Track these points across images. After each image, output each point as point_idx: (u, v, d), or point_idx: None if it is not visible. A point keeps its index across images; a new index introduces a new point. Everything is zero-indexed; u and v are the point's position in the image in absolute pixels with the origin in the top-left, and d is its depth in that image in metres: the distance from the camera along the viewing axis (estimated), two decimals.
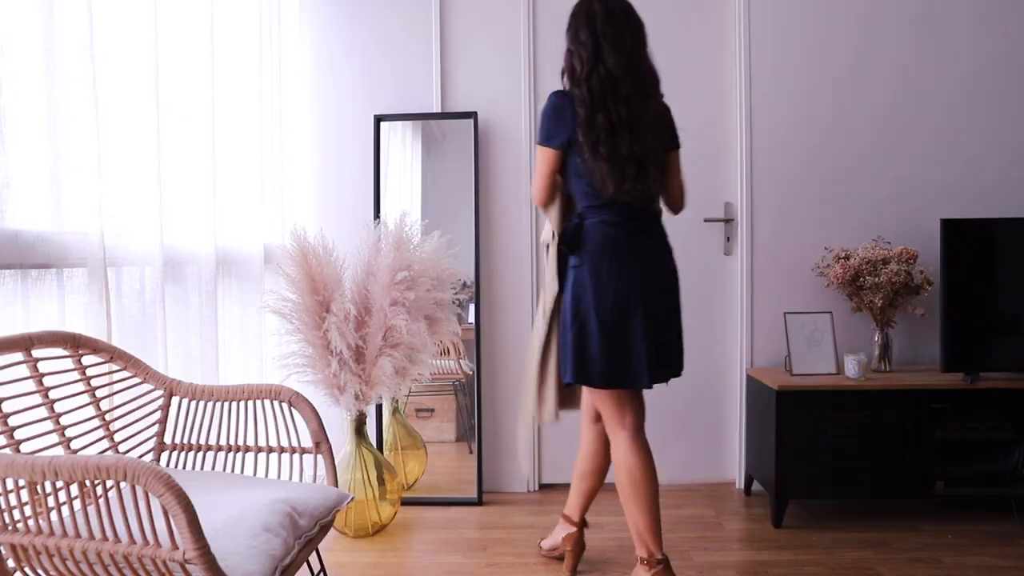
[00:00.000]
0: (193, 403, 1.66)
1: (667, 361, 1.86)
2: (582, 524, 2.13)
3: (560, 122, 1.78)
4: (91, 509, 1.08)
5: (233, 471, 1.65)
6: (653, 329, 1.78)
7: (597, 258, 1.79)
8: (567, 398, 1.97)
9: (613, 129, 1.73)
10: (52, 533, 1.08)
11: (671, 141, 1.92)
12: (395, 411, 2.72)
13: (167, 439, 1.65)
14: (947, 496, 2.40)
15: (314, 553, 1.56)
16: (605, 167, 1.74)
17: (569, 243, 1.85)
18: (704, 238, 2.81)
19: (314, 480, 1.80)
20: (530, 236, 2.78)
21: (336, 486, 1.58)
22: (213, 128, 2.08)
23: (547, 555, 2.18)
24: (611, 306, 1.76)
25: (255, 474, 1.63)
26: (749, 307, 2.77)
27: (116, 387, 1.59)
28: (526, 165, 2.77)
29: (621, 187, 1.75)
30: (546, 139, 1.82)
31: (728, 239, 2.80)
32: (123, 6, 1.71)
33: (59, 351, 1.44)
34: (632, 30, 1.79)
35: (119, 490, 1.07)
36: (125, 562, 1.08)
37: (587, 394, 2.00)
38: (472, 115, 2.73)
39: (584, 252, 1.81)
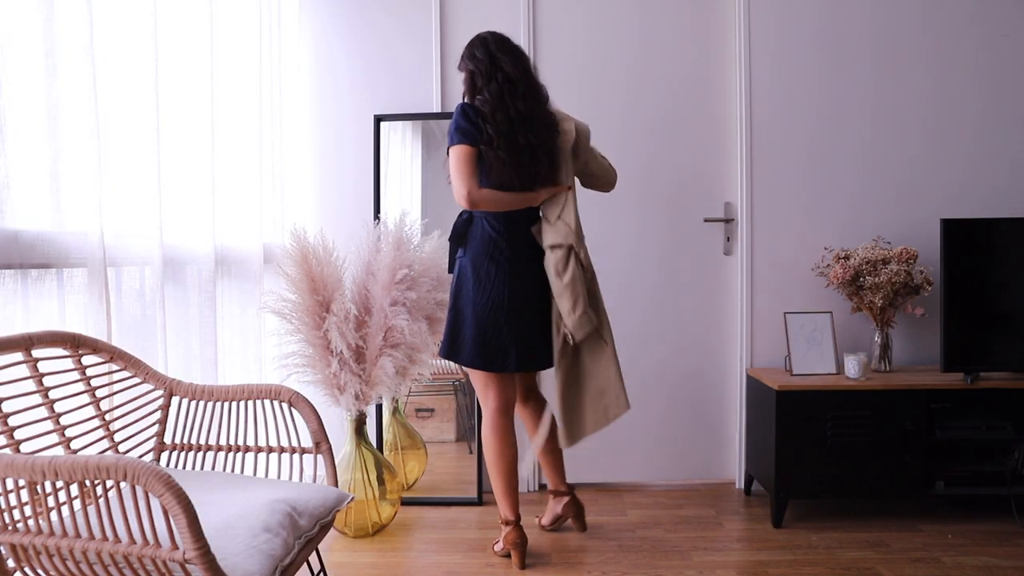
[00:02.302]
0: (193, 403, 1.66)
1: (540, 354, 2.06)
2: (571, 489, 2.32)
3: (471, 124, 1.94)
4: (91, 509, 1.08)
5: (233, 471, 1.65)
6: (521, 326, 2.00)
7: (478, 256, 1.99)
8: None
9: (511, 122, 1.93)
10: (52, 533, 1.08)
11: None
12: (395, 411, 2.72)
13: (167, 439, 1.65)
14: (947, 496, 2.40)
15: (314, 553, 1.56)
16: (503, 156, 1.92)
17: (455, 236, 2.06)
18: (704, 238, 2.81)
19: (314, 480, 1.81)
20: None
21: (336, 486, 1.58)
22: (213, 128, 2.08)
23: (550, 529, 2.36)
24: (484, 302, 1.98)
25: (255, 474, 1.63)
26: (749, 307, 2.77)
27: (116, 387, 1.59)
28: None
29: (515, 173, 1.94)
30: (462, 138, 1.94)
31: (728, 239, 2.80)
32: (123, 6, 1.71)
33: (59, 351, 1.44)
34: (519, 54, 2.03)
35: (119, 490, 1.07)
36: (125, 562, 1.08)
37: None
38: None
39: (468, 247, 2.02)
